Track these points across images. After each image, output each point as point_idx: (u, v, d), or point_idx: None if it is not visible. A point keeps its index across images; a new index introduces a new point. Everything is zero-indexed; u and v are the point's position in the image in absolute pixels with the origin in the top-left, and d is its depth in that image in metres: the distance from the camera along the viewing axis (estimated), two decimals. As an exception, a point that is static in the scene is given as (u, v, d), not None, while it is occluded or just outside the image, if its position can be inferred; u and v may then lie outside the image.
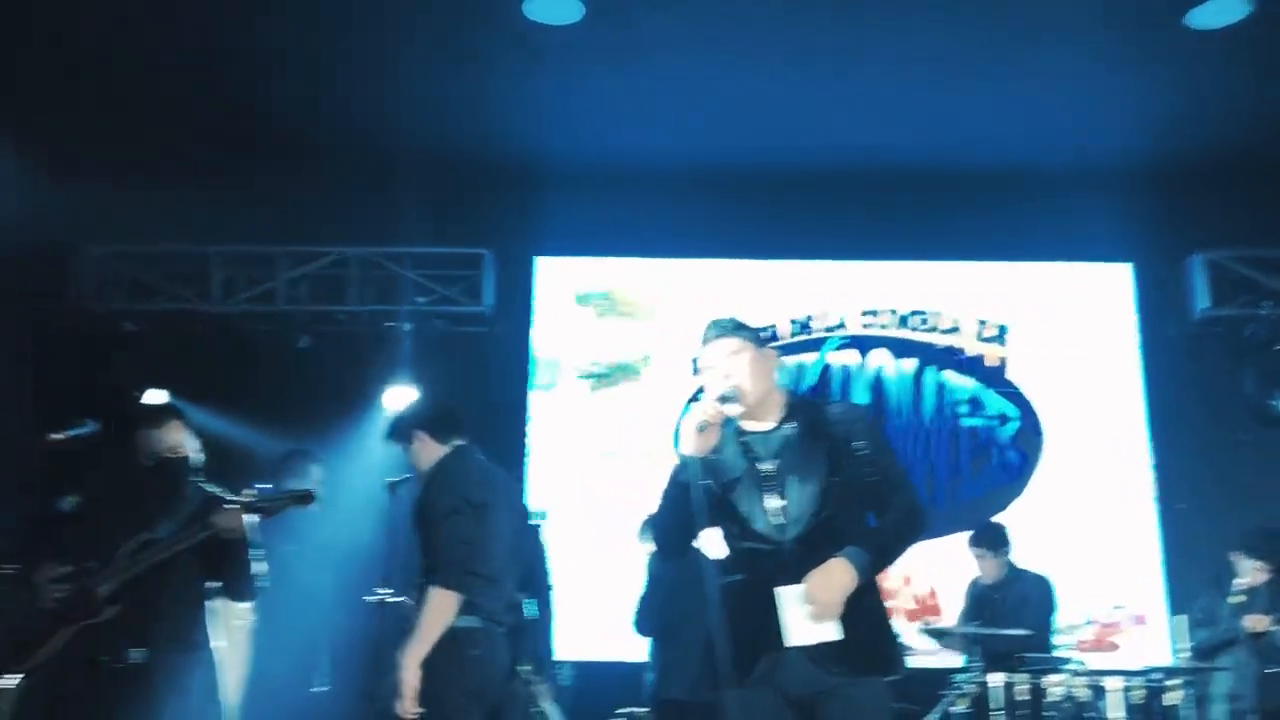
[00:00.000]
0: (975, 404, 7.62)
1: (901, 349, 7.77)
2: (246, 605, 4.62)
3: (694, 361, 3.18)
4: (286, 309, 7.49)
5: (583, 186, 7.60)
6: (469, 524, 3.89)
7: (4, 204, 7.23)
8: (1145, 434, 7.54)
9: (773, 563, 3.05)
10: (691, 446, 3.04)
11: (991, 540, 6.31)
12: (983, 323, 7.75)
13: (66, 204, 6.90)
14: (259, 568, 3.88)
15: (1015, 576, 6.26)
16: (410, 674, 3.72)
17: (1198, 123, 6.93)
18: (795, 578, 3.01)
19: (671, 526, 3.20)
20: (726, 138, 7.31)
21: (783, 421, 3.23)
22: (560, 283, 7.95)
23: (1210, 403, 7.45)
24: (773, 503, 3.09)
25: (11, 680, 3.85)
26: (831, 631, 2.98)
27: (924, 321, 7.81)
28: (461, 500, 3.93)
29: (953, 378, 7.69)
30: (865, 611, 3.04)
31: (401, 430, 4.24)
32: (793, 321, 7.88)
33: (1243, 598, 5.91)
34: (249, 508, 3.70)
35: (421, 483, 4.11)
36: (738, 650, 2.97)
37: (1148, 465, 7.48)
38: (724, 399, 3.10)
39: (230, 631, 4.74)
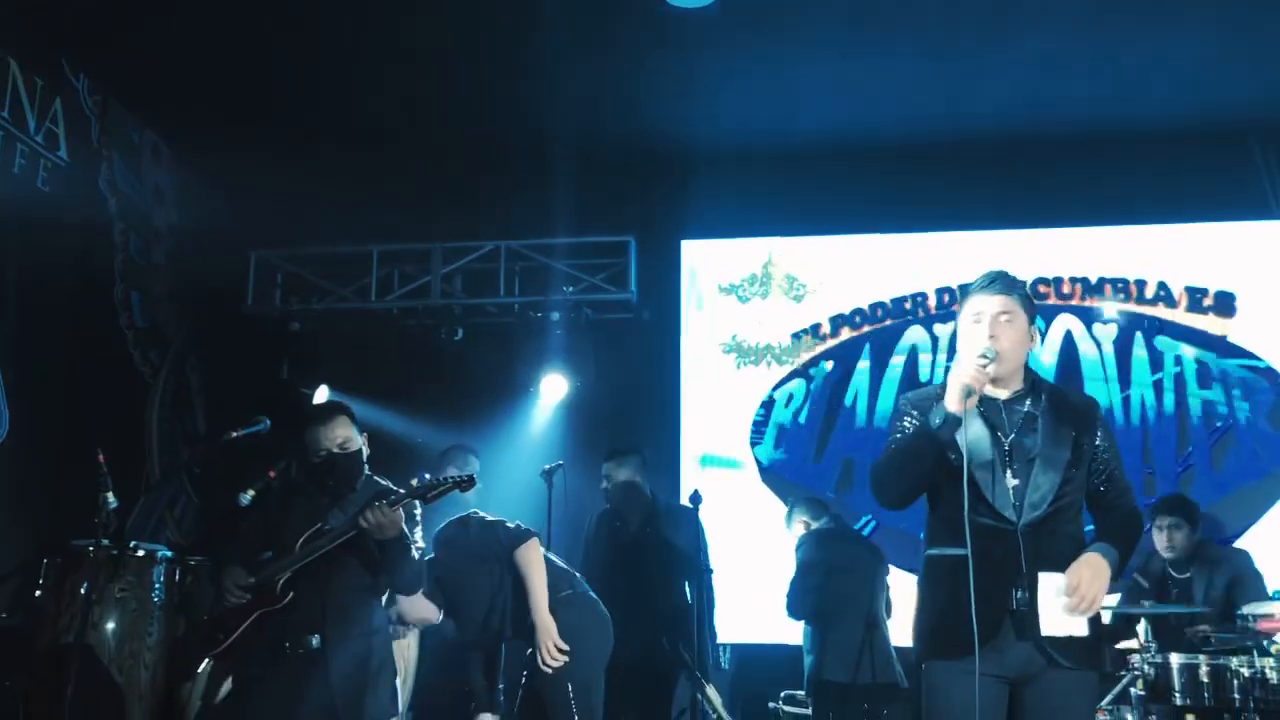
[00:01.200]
0: (1205, 373, 6.65)
1: (1091, 316, 7.06)
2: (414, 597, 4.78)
3: (962, 301, 3.00)
4: (441, 303, 7.66)
5: (724, 169, 7.58)
6: None
7: (185, 213, 7.67)
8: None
9: (1001, 542, 2.95)
10: (958, 405, 2.94)
11: (1185, 510, 5.92)
12: (1198, 291, 6.88)
13: (237, 211, 7.26)
14: (419, 561, 3.98)
15: (1211, 554, 5.92)
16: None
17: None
18: (1030, 562, 2.94)
19: (906, 479, 3.09)
20: (866, 113, 7.16)
21: (1025, 395, 3.12)
22: (707, 266, 7.91)
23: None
24: (1012, 481, 3.00)
25: (202, 666, 4.09)
26: (1083, 626, 2.93)
27: (1120, 289, 7.03)
28: None
29: (1168, 343, 6.81)
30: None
31: None
32: (938, 291, 7.59)
33: None
34: (413, 493, 3.82)
35: None
36: (959, 626, 2.90)
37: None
38: (986, 358, 2.99)
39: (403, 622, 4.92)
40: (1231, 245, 7.26)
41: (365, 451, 4.07)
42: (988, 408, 3.07)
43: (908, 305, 7.60)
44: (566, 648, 4.42)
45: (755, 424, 7.59)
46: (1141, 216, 7.38)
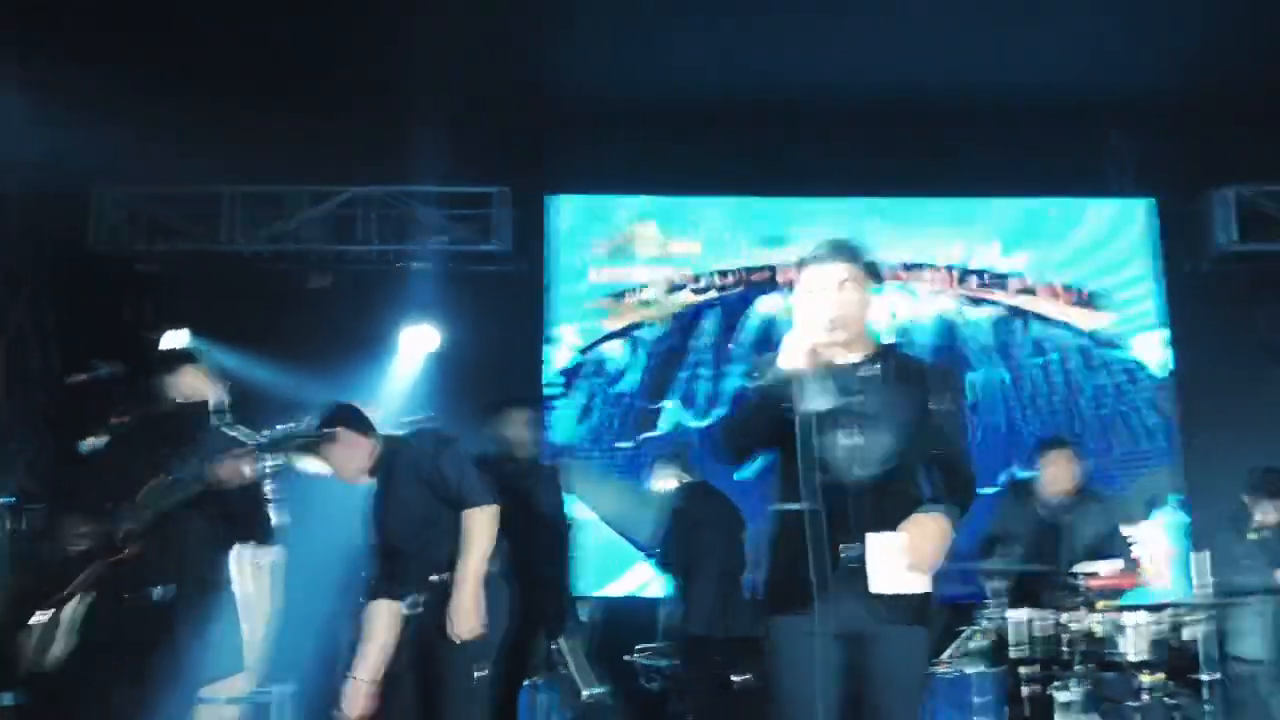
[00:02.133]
0: (1087, 357, 7.08)
1: (970, 301, 7.38)
2: (266, 548, 4.67)
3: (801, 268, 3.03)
4: (301, 248, 7.44)
5: (598, 124, 7.53)
6: None
7: (24, 145, 7.22)
8: (1167, 369, 7.46)
9: (836, 502, 2.98)
10: (790, 364, 2.96)
11: (1064, 442, 5.92)
12: (1071, 288, 7.35)
13: (84, 146, 6.89)
14: (270, 512, 3.90)
15: (1082, 500, 6.03)
16: None
17: (1221, 57, 6.76)
18: (864, 521, 2.98)
19: (745, 437, 3.13)
20: (739, 74, 7.16)
21: (870, 360, 3.14)
22: (576, 221, 7.86)
23: (1232, 338, 7.38)
24: (848, 440, 3.04)
25: (42, 616, 3.93)
26: (914, 584, 2.96)
27: (994, 280, 7.37)
28: None
29: (1046, 330, 7.21)
30: None
31: None
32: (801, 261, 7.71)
33: (1255, 536, 5.89)
34: (265, 446, 3.72)
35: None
36: (793, 581, 2.95)
37: (1170, 400, 7.40)
38: (821, 325, 3.01)
39: (254, 573, 4.80)
40: (1088, 221, 7.66)
41: (218, 400, 3.94)
42: (831, 371, 3.09)
43: (766, 275, 7.71)
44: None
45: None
46: (1000, 189, 7.66)
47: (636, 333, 7.59)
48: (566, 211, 7.87)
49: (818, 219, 7.71)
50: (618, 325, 7.62)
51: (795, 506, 3.01)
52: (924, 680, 3.22)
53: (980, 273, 7.45)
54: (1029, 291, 7.34)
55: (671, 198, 7.86)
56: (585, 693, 5.68)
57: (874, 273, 3.17)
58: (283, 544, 4.75)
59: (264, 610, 4.93)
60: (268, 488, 3.93)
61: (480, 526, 3.72)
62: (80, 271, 7.43)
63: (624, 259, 7.78)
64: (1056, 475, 5.74)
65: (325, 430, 3.77)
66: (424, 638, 3.73)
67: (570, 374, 7.55)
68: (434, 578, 3.73)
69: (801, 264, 3.19)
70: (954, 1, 6.46)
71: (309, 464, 4.17)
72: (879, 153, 7.52)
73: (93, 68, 6.55)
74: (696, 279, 7.66)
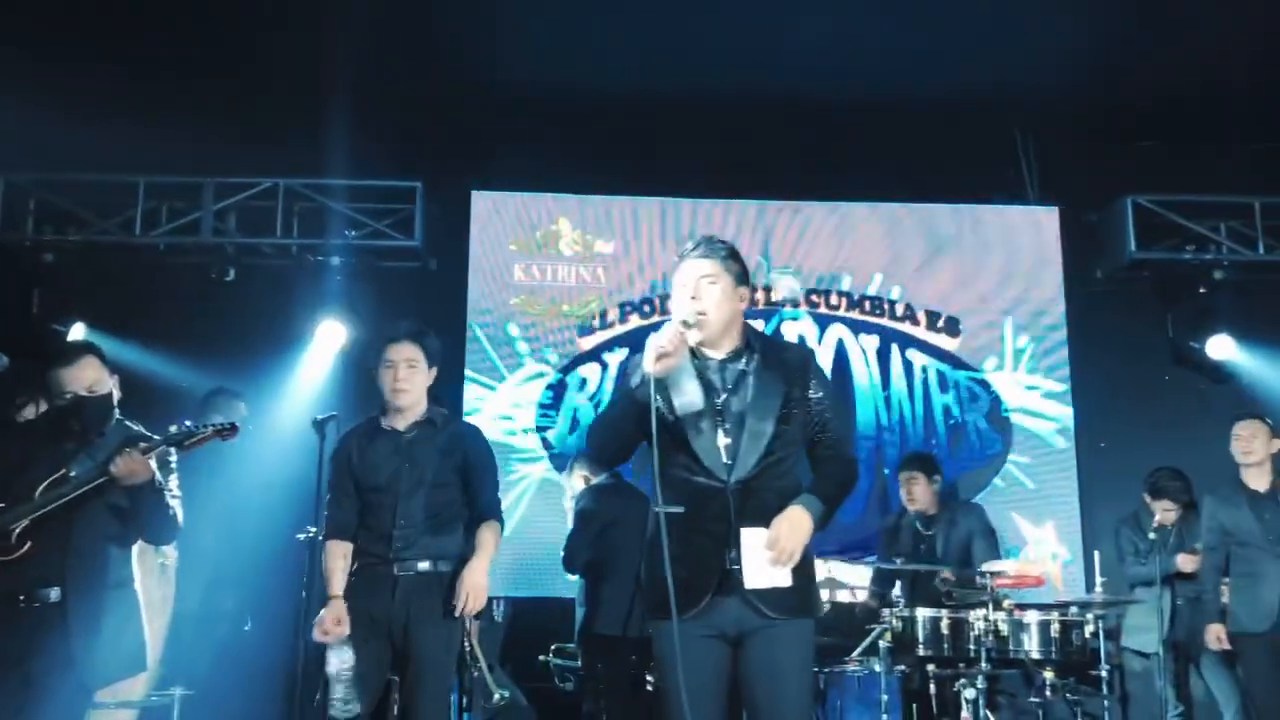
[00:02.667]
0: (943, 380, 7.64)
1: (858, 327, 7.73)
2: (169, 547, 4.58)
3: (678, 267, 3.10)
4: (213, 241, 7.30)
5: (522, 119, 7.48)
6: None
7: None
8: (1067, 375, 7.67)
9: (715, 501, 3.02)
10: (654, 366, 2.96)
11: (922, 463, 6.40)
12: (935, 313, 7.74)
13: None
14: (173, 511, 3.82)
15: (954, 509, 6.37)
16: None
17: (1127, 65, 6.96)
18: (740, 518, 3.01)
19: (616, 438, 3.15)
20: (669, 69, 7.14)
21: (740, 353, 3.16)
22: (497, 219, 7.80)
23: (1134, 345, 7.60)
24: (724, 440, 3.06)
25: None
26: (786, 577, 3.00)
27: (876, 306, 7.76)
28: None
29: (917, 356, 7.70)
30: (801, 559, 3.05)
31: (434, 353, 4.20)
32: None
33: (1155, 536, 6.08)
34: (169, 440, 3.65)
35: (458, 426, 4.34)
36: (679, 584, 2.96)
37: (1068, 405, 7.61)
38: (686, 324, 3.03)
39: (153, 571, 4.71)
40: (989, 226, 7.87)
41: (116, 395, 3.84)
42: (702, 368, 3.13)
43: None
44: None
45: (542, 406, 7.60)
46: (884, 194, 7.81)
47: (605, 354, 7.69)
48: (487, 208, 7.81)
49: (730, 220, 7.79)
50: (589, 347, 7.71)
51: (674, 509, 3.04)
52: (810, 669, 3.26)
53: (873, 298, 7.82)
54: (908, 318, 7.79)
55: (592, 196, 7.83)
56: (496, 694, 5.67)
57: (740, 268, 3.21)
58: (181, 543, 4.69)
59: (165, 610, 4.85)
60: (171, 484, 3.83)
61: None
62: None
63: (545, 257, 7.74)
64: (909, 493, 6.34)
65: (224, 426, 3.73)
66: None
67: (557, 389, 7.65)
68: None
69: (675, 267, 3.24)
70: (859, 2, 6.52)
71: None
72: (795, 153, 7.60)
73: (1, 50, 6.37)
74: (641, 305, 7.69)
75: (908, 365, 7.68)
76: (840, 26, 6.75)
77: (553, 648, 6.43)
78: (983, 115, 7.41)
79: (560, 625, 6.49)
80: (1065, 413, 7.62)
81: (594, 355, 7.70)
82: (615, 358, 7.66)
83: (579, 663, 6.18)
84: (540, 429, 7.59)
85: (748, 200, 7.82)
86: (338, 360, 7.13)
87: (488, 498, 4.22)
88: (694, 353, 3.14)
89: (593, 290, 7.73)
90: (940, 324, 7.75)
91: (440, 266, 7.64)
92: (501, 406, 7.58)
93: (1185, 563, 6.16)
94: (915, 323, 7.74)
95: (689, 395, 3.09)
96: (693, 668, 2.93)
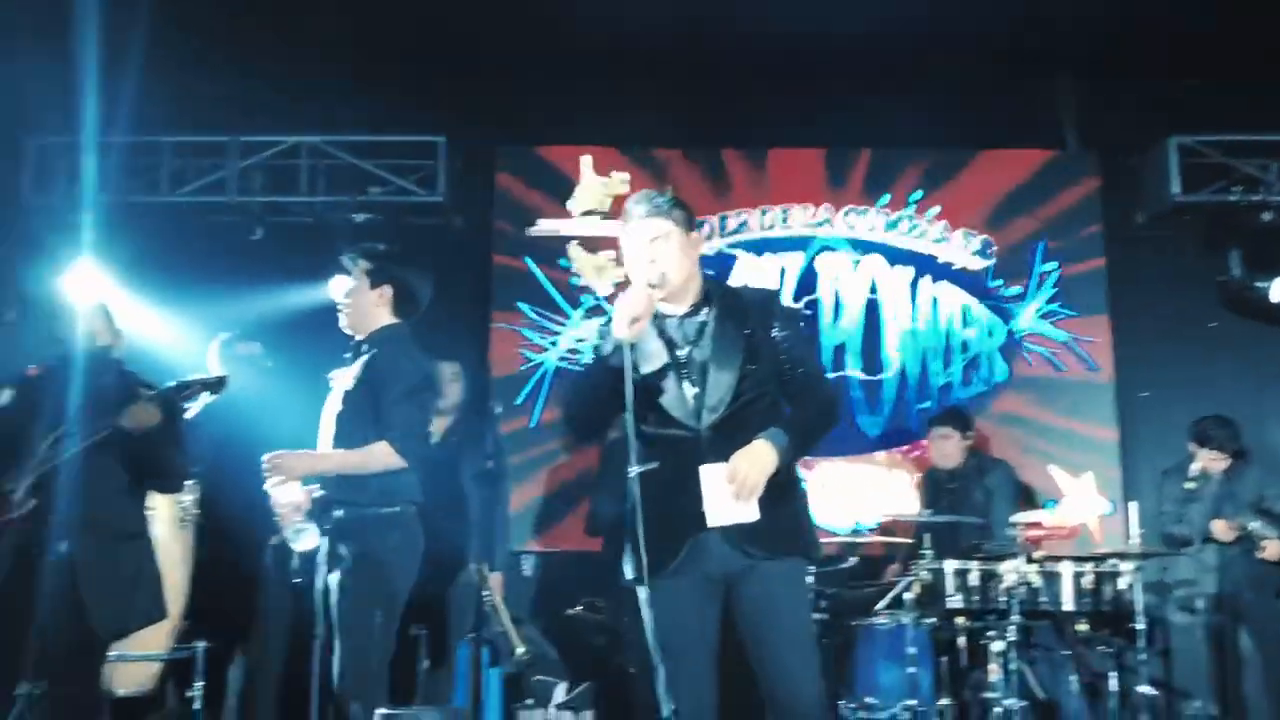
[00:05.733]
0: (966, 317, 7.56)
1: (894, 256, 7.59)
2: (185, 496, 4.60)
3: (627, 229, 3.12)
4: (238, 200, 7.29)
5: (546, 71, 7.36)
6: (428, 403, 3.89)
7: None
8: (1106, 322, 7.44)
9: (690, 450, 3.04)
10: (625, 332, 2.97)
11: (957, 419, 6.29)
12: (969, 234, 7.58)
13: (15, 93, 6.71)
14: (181, 460, 3.83)
15: (975, 463, 6.26)
16: (299, 469, 3.80)
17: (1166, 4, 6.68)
18: (709, 461, 3.01)
19: (594, 408, 3.18)
20: (700, 13, 6.91)
21: (699, 305, 3.19)
22: (520, 172, 7.71)
23: (1178, 291, 7.38)
24: (690, 390, 3.08)
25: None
26: (751, 512, 2.99)
27: (914, 228, 7.60)
28: (425, 378, 3.98)
29: (946, 291, 7.57)
30: (785, 495, 3.07)
31: (380, 270, 4.08)
32: (764, 211, 7.63)
33: (1194, 484, 5.94)
34: (163, 395, 3.65)
35: (381, 341, 4.04)
36: (661, 538, 2.96)
37: (1110, 354, 7.40)
38: (652, 285, 3.03)
39: (172, 522, 4.74)
40: (1024, 170, 7.63)
41: (119, 349, 3.84)
42: (663, 325, 3.16)
43: (731, 225, 7.63)
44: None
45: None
46: (948, 139, 7.56)
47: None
48: (510, 162, 7.71)
49: (763, 171, 7.67)
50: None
51: (643, 467, 3.02)
52: (807, 608, 3.29)
53: (911, 218, 7.64)
54: (944, 240, 7.63)
55: (617, 147, 7.69)
56: (521, 649, 5.68)
57: (686, 214, 3.19)
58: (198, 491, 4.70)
59: (184, 558, 4.88)
60: (180, 432, 3.84)
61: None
62: (15, 223, 7.25)
63: (567, 210, 7.64)
64: (940, 451, 6.26)
65: (212, 380, 3.72)
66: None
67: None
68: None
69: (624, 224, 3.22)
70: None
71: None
72: (821, 104, 7.42)
73: (27, 14, 6.38)
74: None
75: (935, 300, 7.56)
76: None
77: (581, 602, 6.40)
78: (1018, 58, 7.17)
79: (591, 580, 6.45)
80: (1105, 360, 7.40)
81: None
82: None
83: (607, 617, 6.17)
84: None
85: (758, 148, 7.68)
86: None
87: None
88: (656, 314, 3.15)
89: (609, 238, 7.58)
90: (973, 246, 7.60)
91: (465, 222, 7.57)
92: (568, 343, 7.53)
93: (1222, 532, 6.02)
94: (948, 243, 7.60)
95: (655, 352, 3.12)
96: (676, 617, 2.95)
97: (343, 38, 7.03)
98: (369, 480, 3.81)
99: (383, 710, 3.32)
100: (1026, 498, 6.63)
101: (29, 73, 6.51)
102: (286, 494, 3.88)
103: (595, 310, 7.52)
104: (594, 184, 7.64)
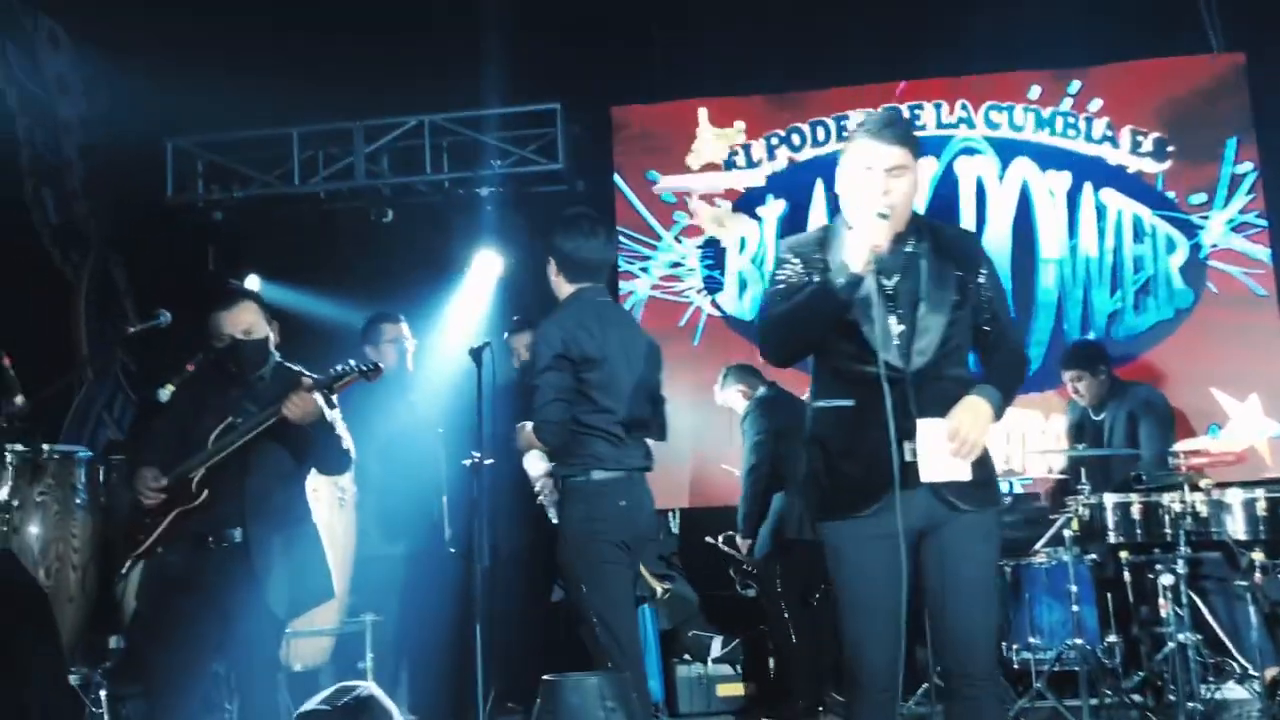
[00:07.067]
0: (1138, 230, 6.82)
1: (1047, 159, 6.89)
2: (342, 478, 4.74)
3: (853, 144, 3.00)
4: (367, 183, 7.44)
5: (654, 28, 7.30)
6: (568, 378, 3.82)
7: (95, 102, 7.34)
8: (1265, 232, 6.96)
9: (893, 391, 2.85)
10: (862, 265, 2.84)
11: (1085, 360, 6.05)
12: (1138, 133, 6.82)
13: (149, 99, 6.96)
14: (346, 443, 3.94)
15: (1121, 393, 6.00)
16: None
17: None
18: (916, 409, 2.87)
19: (804, 339, 3.01)
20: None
21: (904, 236, 2.99)
22: (637, 130, 7.67)
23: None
24: (897, 326, 2.91)
25: (128, 567, 4.04)
26: (966, 470, 2.87)
27: (1071, 124, 6.86)
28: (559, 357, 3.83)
29: (1112, 198, 6.83)
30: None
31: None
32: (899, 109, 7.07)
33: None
34: (318, 384, 3.75)
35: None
36: (852, 482, 2.89)
37: (1270, 263, 6.95)
38: (882, 216, 2.87)
39: (333, 504, 4.90)
40: (1168, 80, 7.11)
41: (274, 339, 3.97)
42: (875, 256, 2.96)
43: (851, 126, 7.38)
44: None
45: (706, 275, 7.45)
46: (1094, 58, 7.13)
47: (758, 208, 7.45)
48: (626, 122, 7.68)
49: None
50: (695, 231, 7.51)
51: (844, 403, 2.92)
52: (997, 562, 3.18)
53: (1067, 114, 6.97)
54: (1108, 139, 6.93)
55: (729, 98, 7.58)
56: (659, 588, 5.77)
57: (919, 146, 3.03)
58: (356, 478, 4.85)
59: (348, 540, 5.05)
60: (337, 417, 3.95)
61: None
62: (159, 225, 7.56)
63: (685, 166, 7.56)
64: (1074, 392, 6.06)
65: (368, 368, 3.81)
66: None
67: (715, 250, 7.53)
68: None
69: (852, 138, 3.02)
70: None
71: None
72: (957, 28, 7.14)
73: (146, 19, 6.60)
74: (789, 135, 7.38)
75: (1100, 209, 6.83)
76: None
77: (722, 535, 6.40)
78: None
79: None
80: (1266, 272, 6.88)
81: (746, 207, 7.43)
82: (769, 210, 7.40)
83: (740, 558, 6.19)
84: (710, 290, 7.42)
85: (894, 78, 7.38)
86: (496, 289, 7.21)
87: None
88: None
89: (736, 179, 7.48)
90: (1145, 147, 6.83)
91: (587, 186, 7.59)
92: (661, 269, 7.50)
93: None
94: (1116, 145, 6.83)
95: (864, 285, 2.91)
96: (867, 569, 2.88)
97: (456, 10, 7.07)
98: None
99: (546, 677, 3.36)
100: (1179, 423, 6.30)
101: (161, 80, 6.75)
102: (535, 466, 4.24)
103: (688, 231, 7.42)
104: (711, 136, 7.56)
